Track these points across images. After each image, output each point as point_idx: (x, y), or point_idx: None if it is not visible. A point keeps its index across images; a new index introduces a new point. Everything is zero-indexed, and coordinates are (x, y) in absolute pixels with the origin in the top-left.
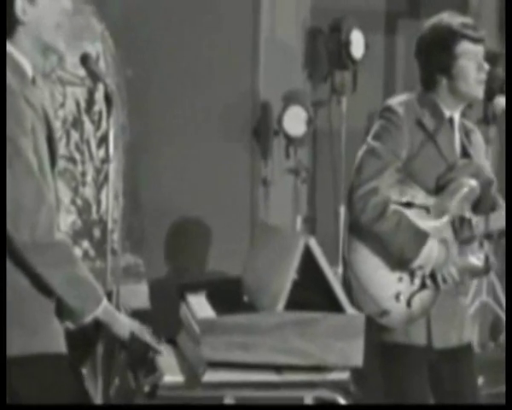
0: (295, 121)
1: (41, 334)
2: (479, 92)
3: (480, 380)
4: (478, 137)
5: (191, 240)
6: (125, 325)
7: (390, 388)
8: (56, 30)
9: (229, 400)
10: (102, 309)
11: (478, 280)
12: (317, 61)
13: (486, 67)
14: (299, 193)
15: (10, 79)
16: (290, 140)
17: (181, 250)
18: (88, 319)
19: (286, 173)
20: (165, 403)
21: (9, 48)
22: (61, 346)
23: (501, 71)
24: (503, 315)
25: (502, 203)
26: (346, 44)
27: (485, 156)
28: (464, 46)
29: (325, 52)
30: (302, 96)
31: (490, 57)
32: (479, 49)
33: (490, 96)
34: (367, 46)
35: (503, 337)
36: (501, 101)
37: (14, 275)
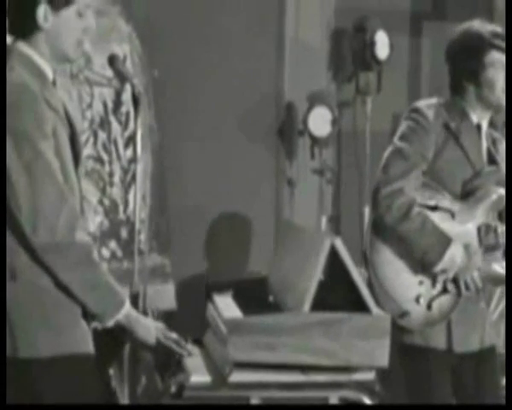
0: (320, 122)
1: (68, 335)
2: (504, 102)
3: (504, 381)
4: (504, 146)
5: (218, 240)
6: (149, 329)
7: (412, 389)
8: (77, 46)
9: (255, 400)
10: (124, 314)
11: None
12: (342, 62)
13: None
14: (323, 193)
15: (30, 81)
16: (315, 140)
17: (208, 251)
18: (109, 323)
19: (311, 174)
20: (194, 403)
21: (28, 50)
22: (88, 346)
23: None
24: None
25: None
26: (371, 45)
27: None
28: (493, 56)
29: (350, 53)
30: (327, 97)
31: None
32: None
33: None
34: (392, 47)
35: None
36: None
37: (39, 276)
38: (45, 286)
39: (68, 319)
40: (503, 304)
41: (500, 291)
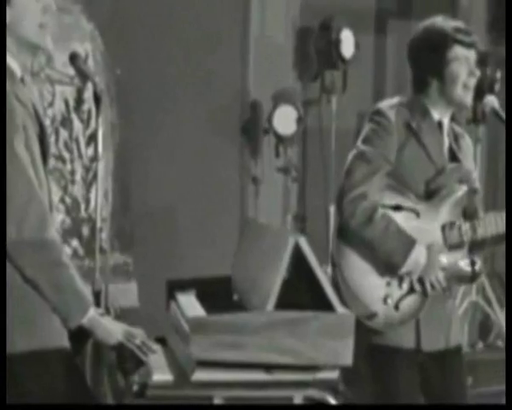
0: (285, 120)
1: (42, 330)
2: (466, 98)
3: (469, 380)
4: (467, 141)
5: (181, 239)
6: (109, 332)
7: (379, 390)
8: (40, 29)
9: (218, 399)
10: (88, 319)
11: None
12: (307, 61)
13: (477, 73)
14: (289, 192)
15: None
16: (280, 139)
17: (171, 249)
18: (72, 326)
19: (276, 172)
20: (156, 403)
21: None
22: (63, 341)
23: (490, 70)
24: (492, 314)
25: (481, 213)
26: (336, 44)
27: (473, 161)
28: (456, 51)
29: (315, 51)
30: (292, 95)
31: (479, 57)
32: (470, 54)
33: (479, 95)
34: (357, 45)
35: (492, 337)
36: (490, 100)
37: (13, 272)
38: (18, 281)
39: (42, 314)
40: (466, 303)
41: (463, 290)
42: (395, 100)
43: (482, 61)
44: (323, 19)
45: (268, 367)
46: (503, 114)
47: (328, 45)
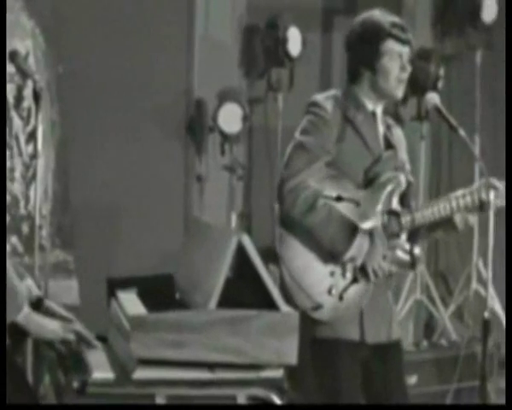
0: (230, 118)
1: None
2: (397, 92)
3: (414, 379)
4: (398, 131)
5: (123, 237)
6: (47, 329)
7: (324, 383)
8: None
9: (160, 397)
10: (23, 316)
11: (412, 278)
12: (254, 59)
13: (409, 68)
14: (234, 190)
15: None
16: (225, 137)
17: (113, 247)
18: (7, 322)
19: (221, 170)
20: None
21: None
22: None
23: (433, 67)
24: (436, 313)
25: (414, 202)
26: (283, 42)
27: (405, 151)
28: (390, 45)
29: (262, 49)
30: (237, 94)
31: (423, 54)
32: (404, 51)
33: (422, 92)
34: (304, 43)
35: (436, 336)
36: (431, 97)
37: None
38: None
39: None
40: (410, 301)
41: (408, 288)
42: (331, 92)
43: (426, 58)
44: (270, 17)
45: (211, 366)
46: (445, 111)
47: (274, 43)
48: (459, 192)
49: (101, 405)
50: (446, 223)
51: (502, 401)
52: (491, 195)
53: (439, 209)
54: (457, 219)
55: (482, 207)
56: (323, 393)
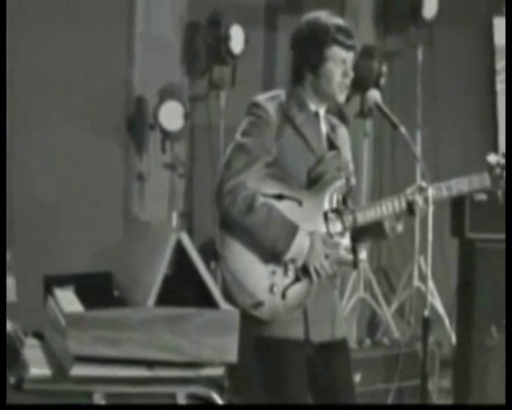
0: (172, 116)
1: None
2: (340, 96)
3: (358, 377)
4: (343, 131)
5: (62, 234)
6: None
7: (269, 383)
8: None
9: (98, 395)
10: None
11: (355, 276)
12: (196, 56)
13: (351, 74)
14: (175, 188)
15: None
16: (166, 135)
17: (51, 244)
18: None
19: (162, 168)
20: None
21: None
22: None
23: (376, 64)
24: (379, 311)
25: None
26: (225, 39)
27: (349, 151)
28: (334, 50)
29: (204, 47)
30: (179, 91)
31: (366, 51)
32: (348, 57)
33: (365, 89)
34: (247, 41)
35: (379, 334)
36: (373, 94)
37: None
38: None
39: None
40: (354, 299)
41: (351, 286)
42: (273, 93)
43: (369, 55)
44: (212, 14)
45: (149, 364)
46: (386, 108)
47: (216, 41)
48: (390, 198)
49: (100, 406)
50: (377, 228)
51: (444, 400)
52: (420, 199)
53: (383, 209)
54: (386, 225)
55: (411, 211)
56: (269, 392)
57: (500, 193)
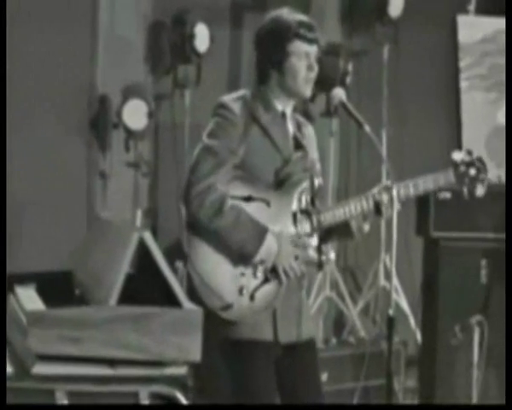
0: (135, 114)
1: None
2: (306, 91)
3: (324, 376)
4: (309, 130)
5: (24, 232)
6: None
7: (238, 384)
8: None
9: (60, 393)
10: None
11: (322, 276)
12: (160, 55)
13: (316, 68)
14: (139, 187)
15: None
16: (130, 133)
17: (12, 242)
18: None
19: (125, 167)
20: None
21: None
22: None
23: (342, 63)
24: (346, 310)
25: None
26: (190, 38)
27: (315, 151)
28: (297, 45)
29: (168, 46)
30: (143, 90)
31: (332, 49)
32: (312, 50)
33: (331, 87)
34: (212, 40)
35: (346, 333)
36: (337, 93)
37: None
38: None
39: None
40: (321, 298)
41: (318, 284)
42: (239, 93)
43: (334, 54)
44: (177, 13)
45: (112, 362)
46: (350, 107)
47: (181, 39)
48: (357, 197)
49: (100, 405)
50: (344, 228)
51: (410, 400)
52: (385, 198)
53: (351, 210)
54: (353, 225)
55: (378, 211)
56: (236, 395)
57: (465, 190)
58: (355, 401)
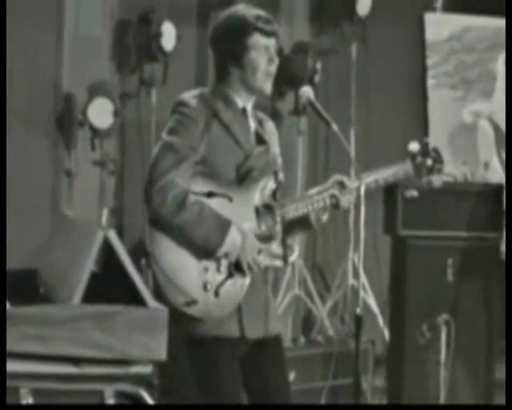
0: (101, 113)
1: None
2: (266, 86)
3: (292, 375)
4: (270, 125)
5: None
6: None
7: (203, 381)
8: None
9: (25, 390)
10: None
11: (290, 273)
12: (126, 53)
13: (276, 60)
14: (104, 185)
15: None
16: (96, 132)
17: None
18: None
19: (91, 165)
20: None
21: None
22: None
23: (310, 61)
24: (314, 309)
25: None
26: (157, 36)
27: (277, 145)
28: (256, 39)
29: (134, 44)
30: (109, 88)
31: (300, 48)
32: (271, 43)
33: (299, 86)
34: (178, 38)
35: (314, 332)
36: (305, 91)
37: None
38: None
39: None
40: (289, 296)
41: (286, 283)
42: (199, 90)
43: (303, 52)
44: (143, 11)
45: (76, 360)
46: (318, 105)
47: (147, 38)
48: (315, 189)
49: (101, 405)
50: (303, 220)
51: (378, 399)
52: (338, 191)
53: (313, 202)
54: (312, 216)
55: (336, 204)
56: (202, 392)
57: (424, 181)
58: (323, 400)
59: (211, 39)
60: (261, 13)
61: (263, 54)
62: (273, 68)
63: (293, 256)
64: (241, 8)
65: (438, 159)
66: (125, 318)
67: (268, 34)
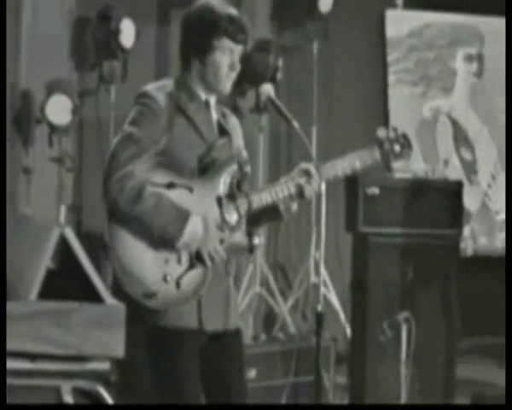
0: (59, 110)
1: None
2: (225, 87)
3: (253, 373)
4: (234, 119)
5: None
6: None
7: (161, 374)
8: None
9: None
10: None
11: (251, 271)
12: (85, 51)
13: (238, 67)
14: (63, 182)
15: None
16: (54, 129)
17: None
18: None
19: (49, 162)
20: None
21: None
22: None
23: (272, 59)
24: (276, 307)
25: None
26: (116, 33)
27: (241, 139)
28: (223, 42)
29: (93, 41)
30: (67, 85)
31: (262, 45)
32: (237, 49)
33: (261, 83)
34: (138, 35)
35: (276, 329)
36: (265, 89)
37: None
38: None
39: None
40: (250, 294)
41: (248, 280)
42: (162, 82)
43: (265, 49)
44: (102, 9)
45: (32, 356)
46: (278, 102)
47: (106, 35)
48: (284, 179)
49: (101, 405)
50: (272, 210)
51: (340, 397)
52: (303, 181)
53: (277, 192)
54: (281, 206)
55: (301, 193)
56: (160, 384)
57: (390, 168)
58: (284, 397)
59: (181, 25)
60: (236, 16)
61: (226, 58)
62: (233, 74)
63: (257, 241)
64: (217, 5)
65: (406, 145)
66: (81, 314)
67: (237, 41)
